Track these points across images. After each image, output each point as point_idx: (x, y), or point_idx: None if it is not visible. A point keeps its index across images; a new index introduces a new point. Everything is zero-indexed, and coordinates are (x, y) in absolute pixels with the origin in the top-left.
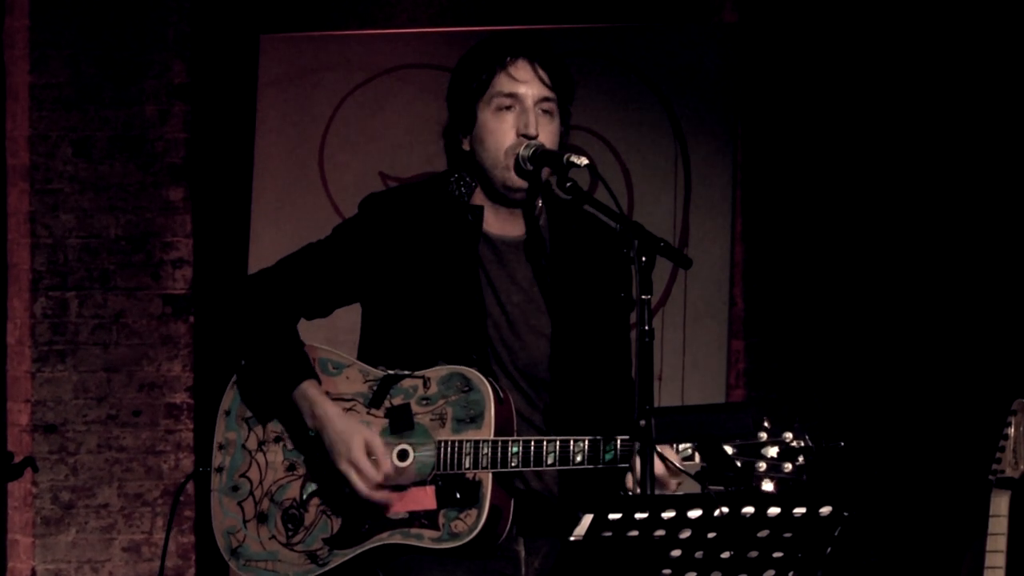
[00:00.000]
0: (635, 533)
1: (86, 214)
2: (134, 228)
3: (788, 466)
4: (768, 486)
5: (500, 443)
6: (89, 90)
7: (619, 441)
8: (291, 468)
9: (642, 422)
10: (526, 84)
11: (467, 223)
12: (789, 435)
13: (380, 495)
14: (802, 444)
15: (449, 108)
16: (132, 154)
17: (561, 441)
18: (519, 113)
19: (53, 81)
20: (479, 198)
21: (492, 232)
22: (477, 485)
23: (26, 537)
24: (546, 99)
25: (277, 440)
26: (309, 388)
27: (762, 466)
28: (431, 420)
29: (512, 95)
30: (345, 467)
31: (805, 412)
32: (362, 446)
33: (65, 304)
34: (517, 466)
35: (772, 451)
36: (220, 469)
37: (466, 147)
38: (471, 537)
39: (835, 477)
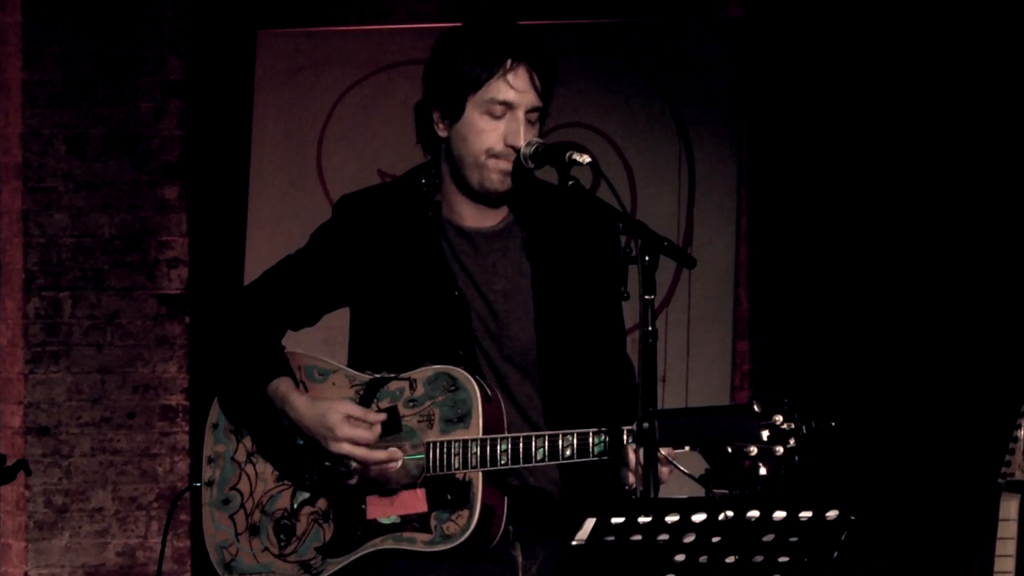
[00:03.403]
0: (638, 537)
1: (80, 213)
2: (129, 227)
3: (779, 449)
4: (760, 470)
5: (488, 441)
6: (83, 87)
7: (607, 434)
8: (281, 478)
9: (645, 424)
10: (522, 94)
11: (428, 219)
12: (779, 417)
13: (383, 454)
14: (792, 426)
15: (429, 84)
16: (127, 152)
17: (550, 436)
18: (508, 121)
19: (46, 78)
20: (448, 191)
21: (468, 225)
22: (467, 485)
23: (19, 541)
24: (536, 109)
25: (265, 450)
26: (281, 384)
27: (753, 450)
28: (419, 422)
29: (506, 103)
30: (338, 447)
31: (805, 408)
32: (343, 418)
33: (58, 304)
34: (506, 464)
35: (763, 434)
36: (210, 483)
37: (442, 132)
38: (464, 538)
39: (827, 457)
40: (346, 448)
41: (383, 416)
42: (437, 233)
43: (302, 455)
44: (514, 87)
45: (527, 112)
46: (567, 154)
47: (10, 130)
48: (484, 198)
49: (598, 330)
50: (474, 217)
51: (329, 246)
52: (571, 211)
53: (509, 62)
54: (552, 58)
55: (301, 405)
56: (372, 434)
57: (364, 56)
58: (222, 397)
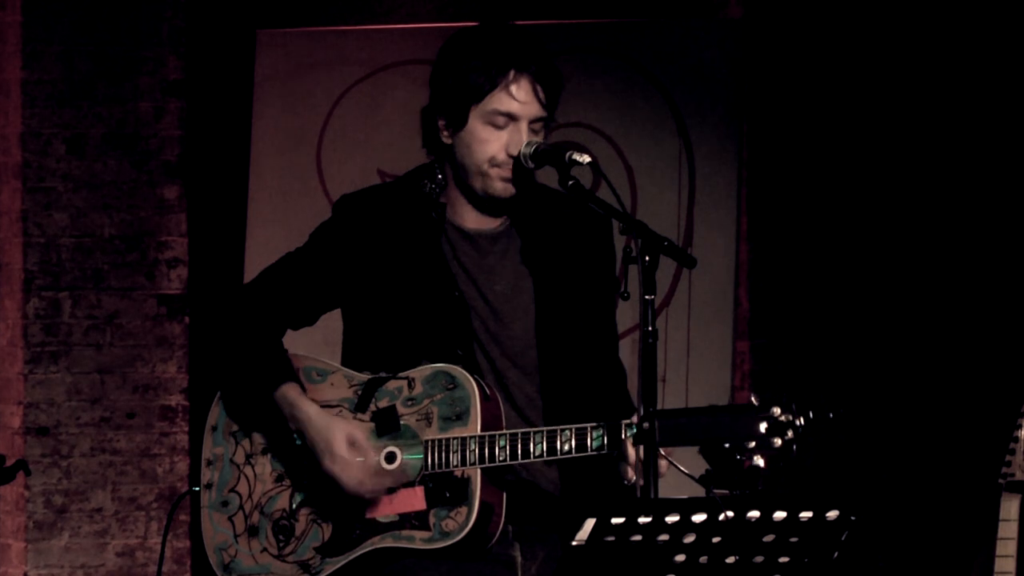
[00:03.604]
0: (638, 538)
1: (79, 213)
2: (128, 227)
3: (778, 441)
4: (759, 462)
5: (487, 438)
6: (82, 86)
7: (605, 429)
8: (280, 479)
9: (645, 424)
10: (525, 105)
11: (431, 220)
12: (777, 410)
13: (369, 486)
14: (790, 418)
15: (434, 91)
16: (126, 152)
17: (548, 432)
18: (511, 131)
19: (46, 77)
20: (452, 195)
21: (469, 226)
22: (466, 482)
23: (18, 542)
24: (539, 119)
25: (265, 452)
26: (289, 390)
27: (751, 443)
28: (417, 420)
29: (508, 114)
30: (329, 464)
31: (804, 400)
32: (344, 440)
33: (58, 304)
34: (505, 460)
35: (761, 427)
36: (209, 485)
37: (447, 140)
38: (462, 535)
39: (827, 457)
40: (337, 471)
41: (377, 458)
42: (438, 234)
43: (302, 455)
44: (517, 98)
45: (530, 123)
46: (567, 154)
47: (9, 130)
48: (488, 203)
49: (595, 333)
50: (476, 219)
51: (329, 245)
52: (568, 216)
53: (512, 73)
54: (556, 67)
55: (312, 413)
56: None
57: (364, 56)
58: (225, 397)
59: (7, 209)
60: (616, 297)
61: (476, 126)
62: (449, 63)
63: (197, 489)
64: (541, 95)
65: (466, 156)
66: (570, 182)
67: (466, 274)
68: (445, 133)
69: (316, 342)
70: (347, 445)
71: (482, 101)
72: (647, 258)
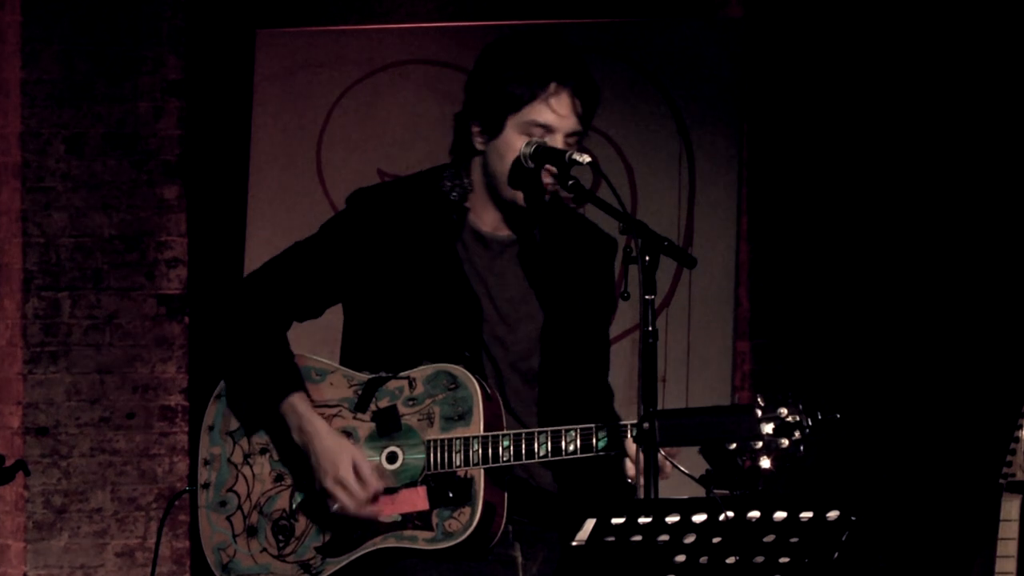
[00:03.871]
0: (639, 538)
1: (79, 212)
2: (128, 227)
3: (784, 441)
4: (765, 463)
5: (490, 438)
6: (82, 86)
7: (608, 429)
8: (279, 479)
9: (645, 425)
10: (563, 119)
11: (451, 222)
12: (784, 411)
13: (367, 511)
14: (797, 418)
15: (471, 98)
16: (126, 151)
17: (552, 432)
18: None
19: (45, 77)
20: (478, 199)
21: (485, 230)
22: (469, 482)
23: (18, 542)
24: (575, 133)
25: (263, 452)
26: (299, 403)
27: (758, 444)
28: (419, 420)
29: (546, 126)
30: (331, 485)
31: (810, 400)
32: (350, 465)
33: (57, 304)
34: (509, 460)
35: (767, 428)
36: (206, 485)
37: (480, 146)
38: (466, 535)
39: (832, 449)
40: (339, 493)
41: (381, 487)
42: (455, 236)
43: (302, 456)
44: (555, 111)
45: (566, 136)
46: (567, 154)
47: (9, 130)
48: (514, 212)
49: (594, 348)
50: (495, 224)
51: (341, 237)
52: (579, 233)
53: (553, 86)
54: (595, 82)
55: (322, 429)
56: (365, 493)
57: (364, 56)
58: (229, 392)
59: (7, 209)
60: (611, 318)
61: (512, 136)
62: (488, 70)
63: (192, 489)
64: (579, 110)
65: (498, 165)
66: (570, 182)
67: (477, 276)
68: (479, 140)
69: (316, 342)
70: (352, 471)
71: (520, 111)
72: (647, 258)
